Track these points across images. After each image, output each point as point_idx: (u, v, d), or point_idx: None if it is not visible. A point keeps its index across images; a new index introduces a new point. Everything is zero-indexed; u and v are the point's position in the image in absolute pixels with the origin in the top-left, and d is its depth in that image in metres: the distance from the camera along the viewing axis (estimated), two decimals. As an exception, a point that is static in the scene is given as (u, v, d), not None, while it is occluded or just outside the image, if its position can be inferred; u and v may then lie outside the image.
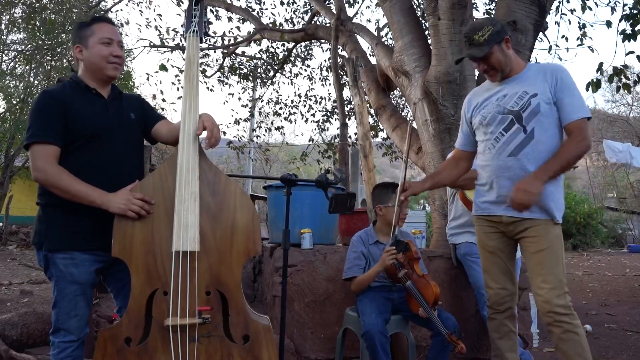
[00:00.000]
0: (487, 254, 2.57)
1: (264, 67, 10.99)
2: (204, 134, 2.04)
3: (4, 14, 12.69)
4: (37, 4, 9.30)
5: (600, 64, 5.62)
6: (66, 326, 2.09)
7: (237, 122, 11.16)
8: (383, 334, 2.63)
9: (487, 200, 2.54)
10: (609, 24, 6.53)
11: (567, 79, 2.40)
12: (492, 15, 7.78)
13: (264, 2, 13.61)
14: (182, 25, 2.32)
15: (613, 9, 6.79)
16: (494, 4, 8.78)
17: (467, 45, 2.47)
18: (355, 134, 9.42)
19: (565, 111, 2.37)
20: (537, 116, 2.38)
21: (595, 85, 5.35)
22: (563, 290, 2.32)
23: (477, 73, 4.50)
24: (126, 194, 2.02)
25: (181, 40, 9.17)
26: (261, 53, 10.43)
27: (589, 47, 7.21)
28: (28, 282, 7.33)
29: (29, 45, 12.66)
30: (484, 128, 2.52)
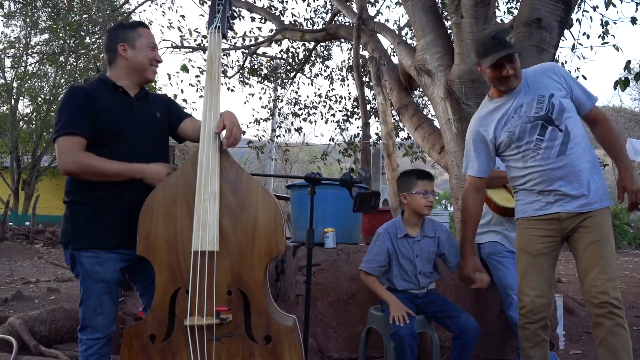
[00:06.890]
0: (530, 258, 2.48)
1: (284, 68, 11.00)
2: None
3: (28, 15, 12.92)
4: (63, 6, 9.44)
5: (628, 62, 5.50)
6: (92, 324, 2.12)
7: (257, 122, 11.21)
8: (413, 335, 2.61)
9: (538, 200, 2.48)
10: (634, 20, 6.38)
11: (566, 72, 2.53)
12: (514, 13, 7.68)
13: (286, 2, 13.60)
14: (206, 23, 2.33)
15: (639, 4, 6.61)
16: (515, 2, 8.65)
17: (497, 47, 2.38)
18: (377, 133, 9.40)
19: (581, 101, 2.49)
20: (565, 113, 2.41)
21: (623, 83, 5.22)
22: (617, 283, 2.31)
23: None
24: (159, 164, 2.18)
25: (202, 41, 9.22)
26: (282, 53, 10.45)
27: (614, 45, 7.06)
28: (55, 280, 7.45)
29: (53, 45, 12.85)
30: (515, 143, 2.48)
